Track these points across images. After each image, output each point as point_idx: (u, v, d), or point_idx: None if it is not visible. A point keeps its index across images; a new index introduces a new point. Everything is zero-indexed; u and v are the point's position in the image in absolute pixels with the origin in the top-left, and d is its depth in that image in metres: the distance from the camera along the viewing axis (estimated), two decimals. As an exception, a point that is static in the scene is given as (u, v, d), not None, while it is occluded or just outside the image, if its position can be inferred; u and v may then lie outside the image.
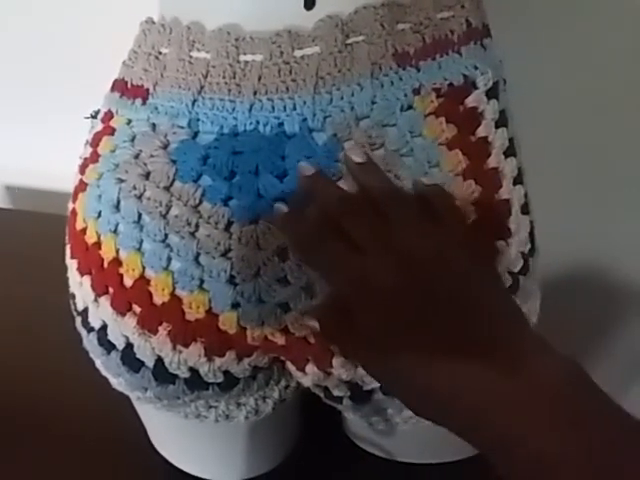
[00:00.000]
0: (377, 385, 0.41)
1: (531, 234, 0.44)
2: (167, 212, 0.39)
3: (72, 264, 0.45)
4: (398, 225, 0.34)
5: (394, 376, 0.31)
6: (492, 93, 0.41)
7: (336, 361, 0.40)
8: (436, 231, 0.34)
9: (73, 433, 0.64)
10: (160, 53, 0.42)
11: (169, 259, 0.39)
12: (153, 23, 0.44)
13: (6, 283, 0.85)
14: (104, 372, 0.47)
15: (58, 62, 0.86)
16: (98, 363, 0.47)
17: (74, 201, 0.45)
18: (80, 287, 0.44)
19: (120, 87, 0.44)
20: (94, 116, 0.48)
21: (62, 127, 0.88)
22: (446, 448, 0.53)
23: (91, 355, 0.46)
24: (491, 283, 0.34)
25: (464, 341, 0.30)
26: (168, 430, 0.53)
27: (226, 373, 0.42)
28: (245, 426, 0.50)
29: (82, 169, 0.44)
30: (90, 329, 0.44)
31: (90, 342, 0.45)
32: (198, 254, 0.39)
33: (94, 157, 0.43)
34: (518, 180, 0.43)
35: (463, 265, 0.33)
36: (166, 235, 0.39)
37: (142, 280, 0.40)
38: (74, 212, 0.44)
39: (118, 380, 0.46)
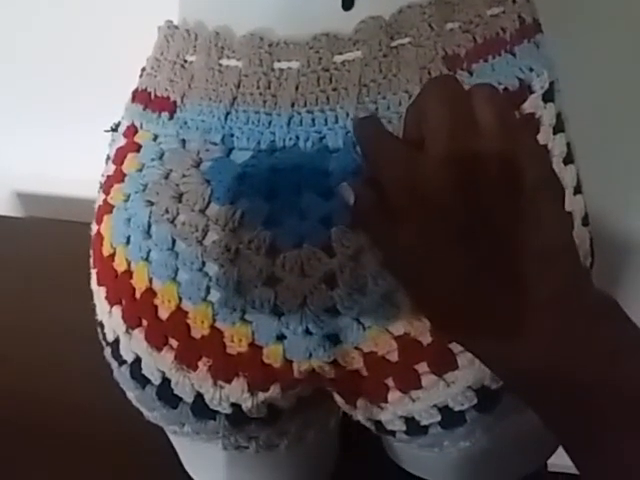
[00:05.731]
0: (436, 420, 0.38)
1: (591, 246, 0.41)
2: (204, 238, 0.36)
3: (99, 291, 0.42)
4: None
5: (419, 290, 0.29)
6: (548, 96, 0.38)
7: (392, 396, 0.38)
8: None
9: (100, 447, 0.64)
10: (186, 61, 0.39)
11: (208, 289, 0.36)
12: (176, 28, 0.41)
13: (18, 290, 0.85)
14: (136, 404, 0.44)
15: (71, 69, 0.85)
16: (130, 395, 0.44)
17: (98, 223, 0.42)
18: (109, 317, 0.41)
19: (143, 98, 0.41)
20: (114, 129, 0.45)
21: (74, 133, 0.87)
22: (495, 475, 0.50)
23: (122, 387, 0.44)
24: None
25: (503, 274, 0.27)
26: (203, 459, 0.51)
27: (270, 406, 0.40)
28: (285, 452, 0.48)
29: (106, 188, 0.41)
30: (122, 362, 0.41)
31: (122, 375, 0.42)
32: (239, 283, 0.36)
33: (119, 176, 0.40)
34: (578, 189, 0.40)
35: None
36: (204, 263, 0.36)
37: (179, 312, 0.37)
38: (99, 235, 0.41)
39: (153, 414, 0.43)
